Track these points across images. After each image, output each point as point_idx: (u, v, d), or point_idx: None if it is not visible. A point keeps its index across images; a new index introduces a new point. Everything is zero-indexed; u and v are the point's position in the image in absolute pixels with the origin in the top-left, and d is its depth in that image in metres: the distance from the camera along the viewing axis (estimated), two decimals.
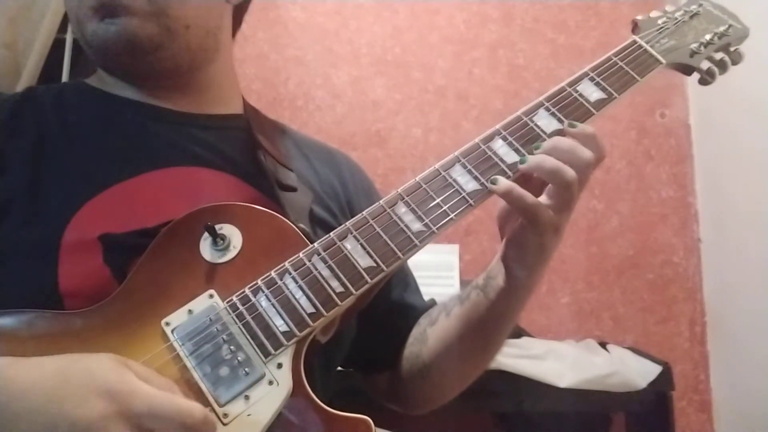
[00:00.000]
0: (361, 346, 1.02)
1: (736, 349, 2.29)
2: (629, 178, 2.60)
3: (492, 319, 0.95)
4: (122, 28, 0.90)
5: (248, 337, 0.73)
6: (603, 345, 2.20)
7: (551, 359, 1.98)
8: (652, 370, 2.03)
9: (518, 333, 2.15)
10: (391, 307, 1.05)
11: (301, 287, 0.76)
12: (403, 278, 1.10)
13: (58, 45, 2.58)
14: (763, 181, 2.11)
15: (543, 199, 0.82)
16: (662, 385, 2.04)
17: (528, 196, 0.79)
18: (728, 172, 2.39)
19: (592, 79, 0.92)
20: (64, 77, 2.64)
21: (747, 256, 2.21)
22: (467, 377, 1.03)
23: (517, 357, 1.96)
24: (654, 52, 0.97)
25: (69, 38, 2.68)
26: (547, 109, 0.89)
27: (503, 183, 0.80)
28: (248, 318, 0.74)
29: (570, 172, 0.79)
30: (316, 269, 0.77)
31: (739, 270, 2.28)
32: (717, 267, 2.44)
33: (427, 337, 1.03)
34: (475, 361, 1.01)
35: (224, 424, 0.69)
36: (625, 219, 2.56)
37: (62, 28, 2.58)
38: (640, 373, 2.01)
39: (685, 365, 2.41)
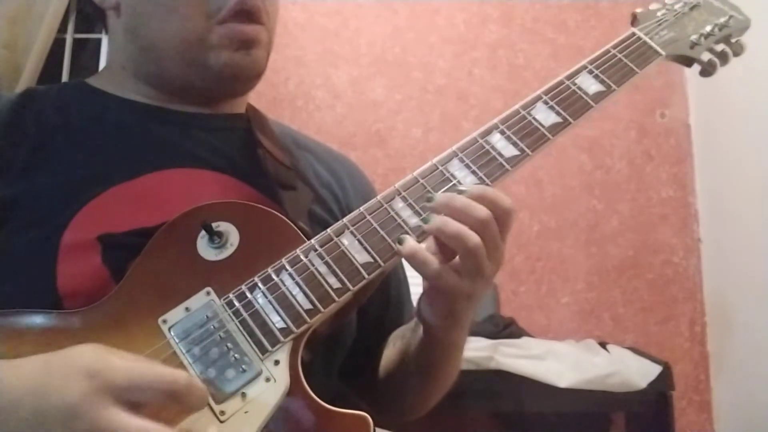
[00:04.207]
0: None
1: (736, 349, 2.29)
2: (629, 178, 2.60)
3: (418, 365, 0.94)
4: (255, 59, 0.96)
5: (245, 334, 0.73)
6: (603, 345, 2.20)
7: (551, 359, 1.98)
8: (652, 370, 2.04)
9: (518, 333, 2.16)
10: (366, 323, 1.04)
11: (297, 283, 0.75)
12: (386, 290, 1.07)
13: (58, 45, 2.59)
14: (763, 182, 2.11)
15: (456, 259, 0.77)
16: (662, 385, 2.05)
17: (432, 263, 0.75)
18: (728, 172, 2.39)
19: (590, 72, 0.91)
20: (64, 77, 2.65)
21: (747, 256, 2.21)
22: (416, 407, 1.03)
23: (517, 357, 1.96)
24: (653, 44, 0.96)
25: (69, 38, 2.69)
26: (546, 102, 0.88)
27: (408, 245, 0.76)
28: (245, 315, 0.74)
29: (473, 237, 0.74)
30: (313, 265, 0.76)
31: (739, 270, 2.28)
32: (717, 267, 2.45)
33: (383, 360, 1.05)
34: (416, 395, 1.01)
35: (221, 422, 0.68)
36: (625, 219, 2.57)
37: (62, 28, 2.59)
38: (640, 373, 2.01)
39: (685, 365, 2.41)
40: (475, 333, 1.99)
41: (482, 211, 0.75)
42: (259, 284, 0.76)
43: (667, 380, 2.07)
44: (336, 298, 0.75)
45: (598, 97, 0.89)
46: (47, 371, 0.62)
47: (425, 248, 0.77)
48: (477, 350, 1.93)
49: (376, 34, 2.77)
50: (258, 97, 1.07)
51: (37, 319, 0.73)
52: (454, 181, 0.82)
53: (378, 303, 1.04)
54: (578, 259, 2.53)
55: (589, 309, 2.50)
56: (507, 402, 2.01)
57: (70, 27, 2.69)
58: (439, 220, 0.76)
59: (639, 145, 2.62)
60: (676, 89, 2.62)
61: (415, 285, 1.14)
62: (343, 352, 0.99)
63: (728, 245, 2.38)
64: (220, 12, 0.91)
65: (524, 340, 2.09)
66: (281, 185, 0.94)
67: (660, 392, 2.07)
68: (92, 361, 0.62)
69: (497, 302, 2.40)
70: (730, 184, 2.37)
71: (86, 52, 2.75)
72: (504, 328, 2.17)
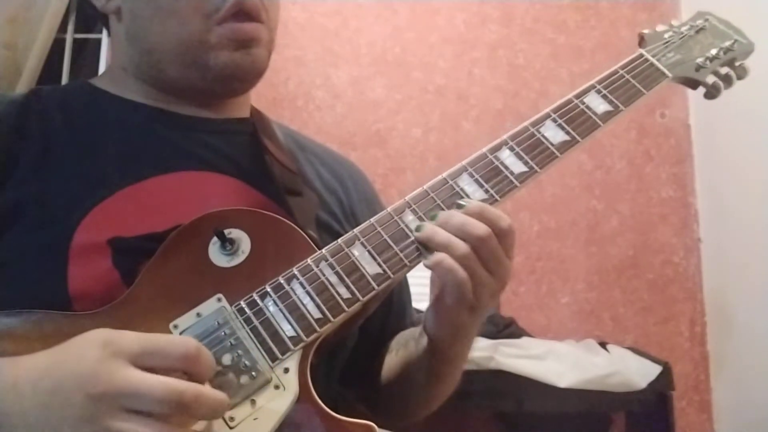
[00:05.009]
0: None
1: (736, 349, 2.29)
2: (629, 178, 2.60)
3: (421, 374, 0.95)
4: (256, 58, 0.96)
5: (255, 341, 0.73)
6: (603, 345, 2.21)
7: (551, 359, 1.99)
8: (652, 370, 2.04)
9: (518, 333, 2.16)
10: (368, 329, 1.05)
11: (308, 293, 0.76)
12: (388, 297, 1.08)
13: (58, 45, 2.58)
14: (763, 182, 2.12)
15: None
16: (662, 385, 2.05)
17: (459, 270, 0.76)
18: (728, 172, 2.40)
19: (599, 92, 0.93)
20: (64, 77, 2.64)
21: (747, 256, 2.21)
22: (416, 413, 1.04)
23: (517, 357, 1.97)
24: (660, 66, 0.97)
25: (69, 38, 2.68)
26: (554, 120, 0.90)
27: (435, 255, 0.77)
28: (256, 322, 0.74)
29: (462, 246, 0.77)
30: (324, 275, 0.77)
31: (739, 270, 2.29)
32: (717, 267, 2.45)
33: (384, 365, 1.06)
34: (417, 402, 1.02)
35: (230, 428, 0.69)
36: (625, 219, 2.57)
37: (62, 28, 2.58)
38: (640, 373, 2.02)
39: (685, 365, 2.42)
40: None
41: (479, 228, 0.77)
42: (270, 292, 0.76)
43: (667, 380, 2.08)
44: (346, 309, 0.76)
45: (606, 116, 0.91)
46: (62, 351, 0.64)
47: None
48: (477, 350, 1.93)
49: (376, 34, 2.77)
50: (258, 97, 1.07)
51: (48, 320, 0.74)
52: (464, 196, 0.83)
53: (380, 309, 1.04)
54: (578, 259, 2.54)
55: (589, 309, 2.50)
56: (507, 402, 2.01)
57: (70, 27, 2.69)
58: (429, 229, 0.78)
59: (639, 145, 2.63)
60: (676, 89, 2.60)
61: (415, 286, 1.15)
62: (344, 357, 1.00)
63: (728, 245, 2.39)
64: (219, 12, 0.92)
65: (524, 340, 2.10)
66: (288, 191, 0.94)
67: (660, 392, 2.07)
68: (106, 332, 0.64)
69: (497, 302, 2.41)
70: (730, 184, 2.38)
71: (86, 52, 2.74)
72: (504, 328, 2.17)
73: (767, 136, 2.12)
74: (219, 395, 0.64)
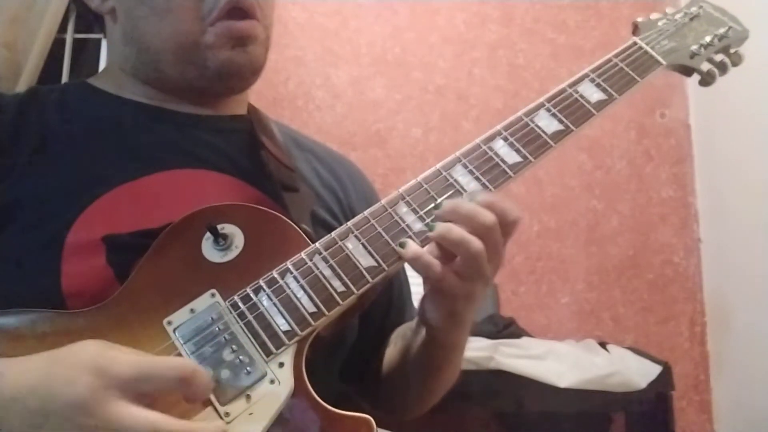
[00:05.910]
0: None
1: (736, 349, 2.29)
2: (629, 178, 2.60)
3: (419, 366, 0.95)
4: (253, 56, 0.97)
5: (250, 336, 0.73)
6: (603, 345, 2.20)
7: (551, 359, 1.98)
8: (652, 370, 2.04)
9: (518, 333, 2.16)
10: (368, 325, 1.04)
11: (302, 286, 0.76)
12: (387, 292, 1.08)
13: (58, 45, 2.58)
14: (763, 182, 2.12)
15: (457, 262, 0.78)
16: (662, 385, 2.05)
17: (434, 266, 0.76)
18: (728, 172, 2.40)
19: (592, 80, 0.93)
20: (64, 77, 2.64)
21: (747, 256, 2.21)
22: (416, 406, 1.04)
23: (517, 357, 1.96)
24: (654, 54, 0.97)
25: (69, 38, 2.68)
26: (548, 110, 0.89)
27: (410, 249, 0.77)
28: (250, 317, 0.74)
29: (475, 243, 0.76)
30: (318, 268, 0.77)
31: (739, 270, 2.28)
32: (717, 267, 2.45)
33: (384, 359, 1.06)
34: (417, 395, 1.02)
35: (226, 423, 0.68)
36: (625, 219, 2.57)
37: (62, 28, 2.58)
38: (640, 373, 2.01)
39: (685, 365, 2.42)
40: (475, 333, 1.99)
41: (488, 217, 0.77)
42: (264, 287, 0.76)
43: (667, 380, 2.07)
44: (340, 302, 0.76)
45: (600, 105, 0.91)
46: (50, 367, 0.63)
47: (427, 251, 0.78)
48: (477, 350, 1.93)
49: (376, 34, 2.77)
50: (258, 97, 1.07)
51: (42, 319, 0.73)
52: (458, 187, 0.83)
53: (380, 305, 1.05)
54: (578, 259, 2.54)
55: (589, 309, 2.50)
56: (507, 402, 2.00)
57: (70, 27, 2.68)
58: (442, 227, 0.77)
59: (639, 145, 2.63)
60: (676, 89, 2.62)
61: (416, 285, 1.15)
62: (344, 353, 1.00)
63: (728, 245, 2.38)
64: (213, 12, 0.92)
65: (524, 340, 2.09)
66: (284, 187, 0.94)
67: (660, 392, 2.07)
68: (97, 355, 0.63)
69: (497, 302, 2.40)
70: (730, 184, 2.37)
71: (86, 52, 2.73)
72: (504, 328, 2.16)
73: (767, 136, 2.12)
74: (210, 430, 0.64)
